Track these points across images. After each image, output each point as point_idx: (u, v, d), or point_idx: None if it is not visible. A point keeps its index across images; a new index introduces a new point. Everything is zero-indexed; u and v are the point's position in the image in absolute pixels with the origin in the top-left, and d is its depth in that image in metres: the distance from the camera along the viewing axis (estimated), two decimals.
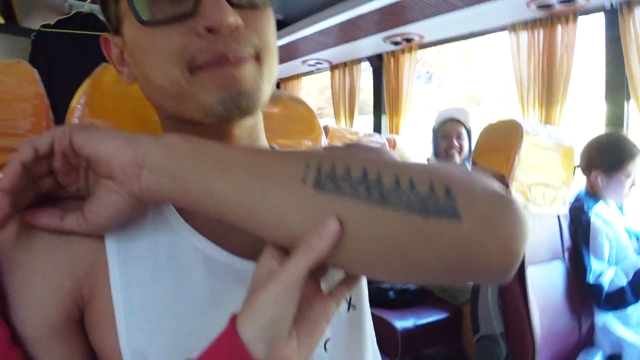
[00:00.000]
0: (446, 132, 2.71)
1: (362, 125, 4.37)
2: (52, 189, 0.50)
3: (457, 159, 2.66)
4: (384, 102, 4.00)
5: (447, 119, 2.75)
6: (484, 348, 1.61)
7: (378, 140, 2.89)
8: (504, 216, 0.41)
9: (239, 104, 0.49)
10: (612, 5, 2.46)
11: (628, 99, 2.49)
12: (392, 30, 3.18)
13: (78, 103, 0.83)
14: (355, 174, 0.41)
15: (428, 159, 2.83)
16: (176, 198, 0.46)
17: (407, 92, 3.79)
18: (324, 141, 1.11)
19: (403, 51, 3.68)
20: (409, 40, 3.42)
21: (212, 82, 0.49)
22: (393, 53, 3.77)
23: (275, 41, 0.55)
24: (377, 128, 4.08)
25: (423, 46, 3.60)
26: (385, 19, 2.92)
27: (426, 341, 2.12)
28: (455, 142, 2.68)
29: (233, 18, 0.46)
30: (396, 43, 3.50)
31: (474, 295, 1.69)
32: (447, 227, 0.40)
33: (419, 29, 3.16)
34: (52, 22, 2.83)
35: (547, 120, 2.81)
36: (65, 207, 0.50)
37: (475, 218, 0.40)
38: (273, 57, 0.53)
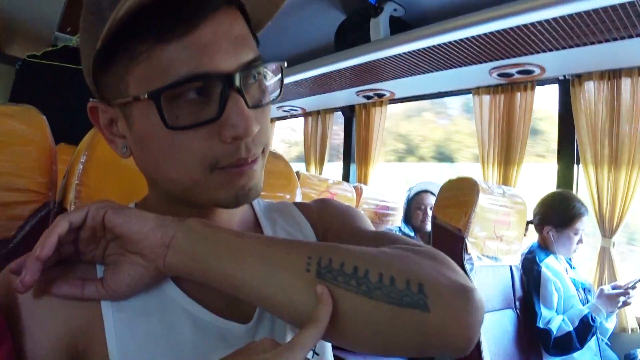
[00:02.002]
0: (421, 203, 2.92)
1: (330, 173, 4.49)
2: (69, 255, 0.54)
3: (429, 227, 2.82)
4: (354, 152, 4.14)
5: (422, 191, 2.95)
6: None
7: (346, 188, 3.01)
8: (463, 309, 0.50)
9: (248, 196, 0.56)
10: (565, 77, 2.67)
11: (578, 162, 2.67)
12: (365, 86, 3.33)
13: (84, 151, 0.91)
14: (348, 269, 0.50)
15: (400, 228, 2.99)
16: (194, 275, 0.53)
17: (376, 143, 3.94)
18: (299, 192, 1.23)
19: (374, 104, 3.83)
20: (380, 96, 3.57)
21: (228, 181, 0.54)
22: (365, 105, 3.91)
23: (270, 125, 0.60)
24: (346, 176, 4.17)
25: (394, 101, 3.76)
26: (358, 75, 3.06)
27: None
28: (430, 213, 2.86)
29: (255, 126, 0.51)
30: (368, 97, 3.65)
31: None
32: (418, 316, 0.49)
33: (390, 87, 3.31)
34: (38, 53, 2.80)
35: (505, 178, 2.97)
36: (72, 269, 0.55)
37: (440, 311, 0.49)
38: (270, 146, 0.60)
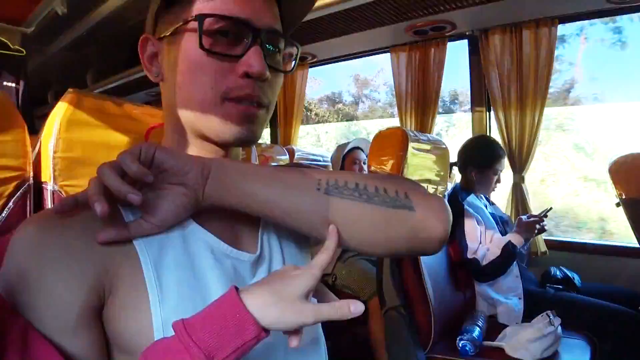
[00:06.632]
0: (356, 158, 3.00)
1: None
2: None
3: None
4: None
5: (355, 147, 3.04)
6: (391, 318, 1.88)
7: (279, 150, 3.10)
8: (438, 208, 0.68)
9: (244, 138, 0.67)
10: (473, 32, 2.90)
11: (489, 109, 2.95)
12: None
13: (54, 124, 0.95)
14: (351, 185, 0.65)
15: None
16: (228, 201, 0.63)
17: (298, 106, 4.07)
18: (254, 152, 1.31)
19: (296, 69, 3.89)
20: (302, 59, 3.68)
21: (233, 115, 0.65)
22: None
23: (276, 99, 0.72)
24: (275, 139, 4.26)
25: (314, 64, 3.87)
26: None
27: (335, 325, 2.33)
28: (364, 167, 2.99)
29: (267, 72, 0.64)
30: None
31: (379, 276, 1.96)
32: (407, 215, 0.65)
33: (311, 49, 3.43)
34: None
35: (422, 126, 3.23)
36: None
37: (422, 210, 0.66)
38: (272, 111, 0.72)
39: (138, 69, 4.02)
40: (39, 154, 0.99)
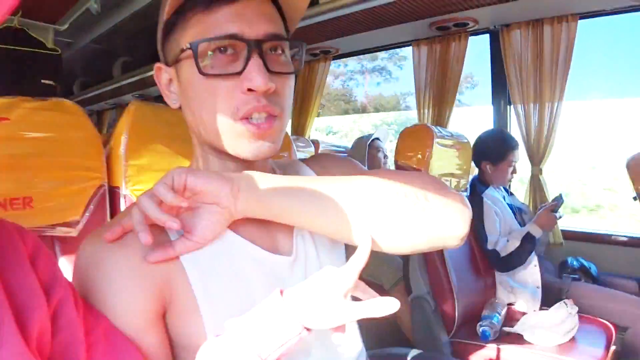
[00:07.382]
0: (378, 147, 3.14)
1: None
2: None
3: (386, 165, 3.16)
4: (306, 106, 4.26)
5: (375, 138, 3.16)
6: (416, 305, 2.00)
7: (303, 142, 3.20)
8: (459, 207, 0.69)
9: (263, 153, 0.68)
10: (495, 27, 2.95)
11: (510, 103, 3.00)
12: (312, 44, 3.49)
13: (123, 134, 1.06)
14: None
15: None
16: (260, 214, 0.66)
17: (316, 97, 4.13)
18: (294, 151, 1.41)
19: (318, 61, 3.99)
20: (325, 52, 3.74)
21: (246, 134, 0.66)
22: (309, 62, 4.04)
23: (291, 101, 0.72)
24: (294, 130, 4.28)
25: (337, 57, 3.94)
26: (305, 35, 3.20)
27: None
28: (386, 154, 3.15)
29: (270, 84, 0.63)
30: (314, 54, 3.81)
31: (405, 267, 2.07)
32: (427, 217, 0.66)
33: (334, 44, 3.49)
34: None
35: (439, 118, 3.29)
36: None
37: (443, 210, 0.67)
38: (289, 114, 0.72)
39: None
40: (109, 160, 1.09)
